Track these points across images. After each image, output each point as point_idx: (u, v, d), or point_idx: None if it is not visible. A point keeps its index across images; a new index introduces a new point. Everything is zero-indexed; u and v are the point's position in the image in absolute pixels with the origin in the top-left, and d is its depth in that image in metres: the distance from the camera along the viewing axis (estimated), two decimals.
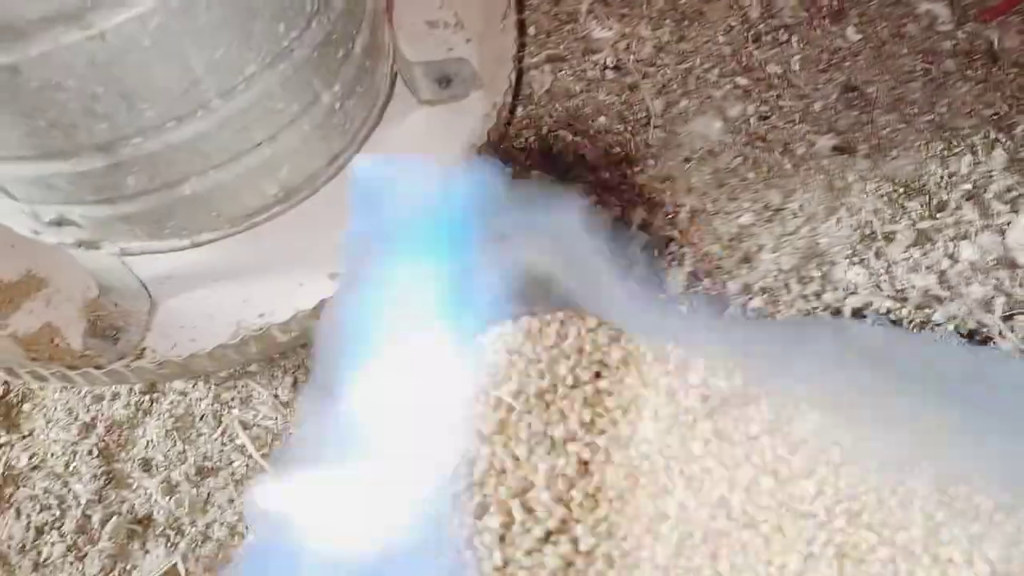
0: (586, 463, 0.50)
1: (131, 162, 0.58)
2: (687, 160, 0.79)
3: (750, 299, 0.72)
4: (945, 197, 0.74)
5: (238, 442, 0.69)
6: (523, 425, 0.51)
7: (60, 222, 0.65)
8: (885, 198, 0.75)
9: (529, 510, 0.48)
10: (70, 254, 0.71)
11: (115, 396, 0.73)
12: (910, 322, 0.69)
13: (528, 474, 0.49)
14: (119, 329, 0.73)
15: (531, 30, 0.87)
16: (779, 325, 0.66)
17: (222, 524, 0.66)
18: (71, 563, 0.66)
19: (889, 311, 0.70)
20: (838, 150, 0.77)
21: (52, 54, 0.49)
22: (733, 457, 0.50)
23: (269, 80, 0.59)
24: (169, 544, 0.66)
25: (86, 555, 0.66)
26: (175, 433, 0.70)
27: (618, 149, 0.80)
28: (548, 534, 0.47)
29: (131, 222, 0.65)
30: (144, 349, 0.72)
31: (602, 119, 0.82)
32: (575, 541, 0.47)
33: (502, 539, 0.47)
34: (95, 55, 0.50)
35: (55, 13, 0.47)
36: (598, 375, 0.54)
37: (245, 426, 0.70)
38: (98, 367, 0.71)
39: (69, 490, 0.69)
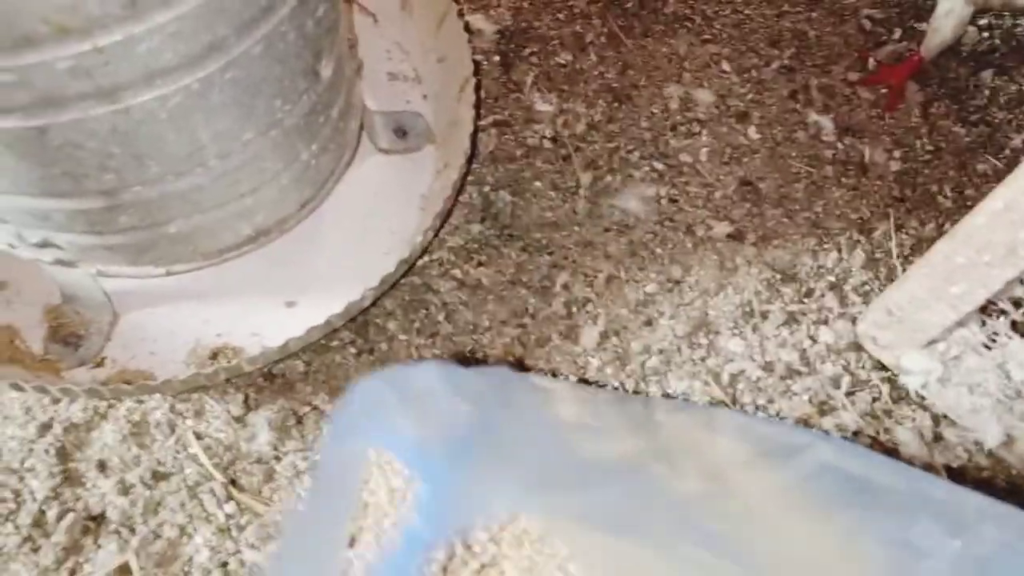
0: None
1: (128, 205, 0.65)
2: (607, 230, 0.91)
3: (648, 358, 0.85)
4: (812, 286, 0.90)
5: (191, 451, 0.77)
6: None
7: (44, 244, 0.70)
8: (765, 282, 0.89)
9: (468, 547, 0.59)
10: (39, 265, 0.76)
11: (73, 399, 0.79)
12: (774, 390, 0.84)
13: None
14: (80, 337, 0.79)
15: (481, 93, 0.97)
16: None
17: (173, 525, 0.73)
18: (25, 554, 0.72)
19: (758, 379, 0.84)
20: (731, 236, 0.91)
21: (80, 121, 0.56)
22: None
23: (262, 144, 0.67)
24: (121, 540, 0.73)
25: (40, 547, 0.72)
26: (131, 438, 0.77)
27: (549, 213, 0.91)
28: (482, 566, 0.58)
29: (113, 251, 0.71)
30: (104, 358, 0.78)
31: (538, 184, 0.93)
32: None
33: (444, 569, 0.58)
34: (117, 124, 0.57)
35: (93, 90, 0.54)
36: None
37: (198, 437, 0.77)
38: (56, 371, 0.77)
39: (25, 485, 0.74)
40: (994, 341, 0.78)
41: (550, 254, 0.89)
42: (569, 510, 0.52)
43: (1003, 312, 0.77)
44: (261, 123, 0.65)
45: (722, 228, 0.92)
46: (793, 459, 0.55)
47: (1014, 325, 0.77)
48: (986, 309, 0.78)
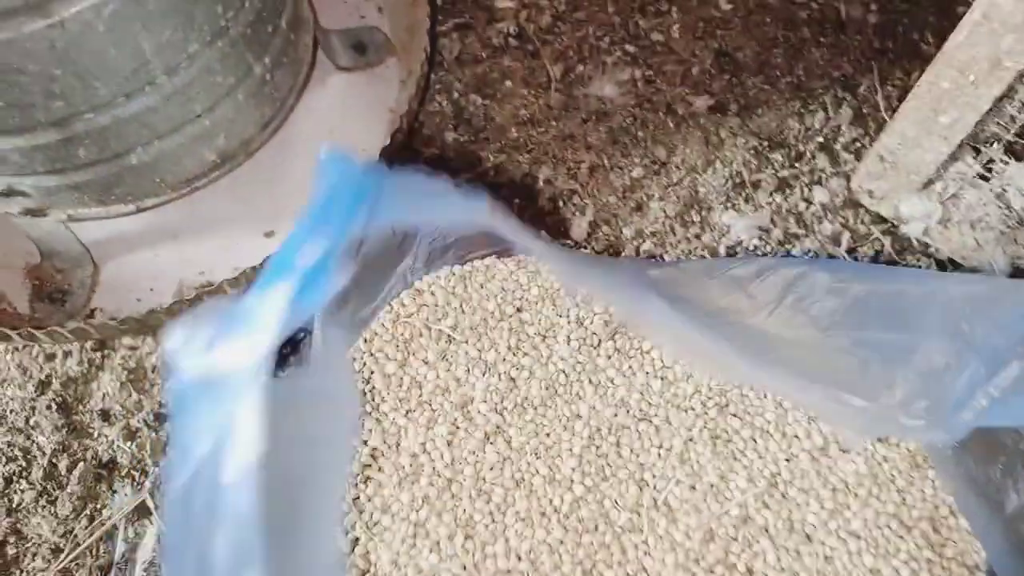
0: (514, 379, 0.60)
1: (83, 135, 0.63)
2: (585, 120, 0.88)
3: (642, 242, 0.83)
4: (802, 149, 0.87)
5: None
6: (461, 352, 0.60)
7: (9, 192, 0.69)
8: (753, 151, 0.87)
9: (470, 419, 0.58)
10: (12, 222, 0.74)
11: (67, 355, 0.78)
12: (773, 255, 0.82)
13: (468, 391, 0.59)
14: (65, 292, 0.77)
15: None
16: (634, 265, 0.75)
17: None
18: (43, 507, 0.71)
19: (756, 248, 0.82)
20: (713, 109, 0.89)
21: (15, 41, 0.54)
22: (630, 367, 0.61)
23: (209, 57, 0.65)
24: (135, 483, 0.72)
25: (56, 499, 0.72)
26: (130, 385, 0.76)
27: (523, 111, 0.89)
28: (486, 436, 0.58)
29: (80, 190, 0.70)
30: (94, 310, 0.77)
31: (508, 83, 0.90)
32: (508, 441, 0.58)
33: (449, 443, 0.57)
34: (55, 41, 0.55)
35: (21, 4, 0.52)
36: (519, 309, 0.64)
37: None
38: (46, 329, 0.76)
39: (33, 442, 0.74)
40: (990, 170, 0.76)
41: (529, 152, 0.87)
42: None
43: (996, 137, 0.74)
44: (205, 32, 0.63)
45: (703, 102, 0.89)
46: (782, 285, 0.54)
47: (1008, 148, 0.74)
48: (978, 137, 0.75)
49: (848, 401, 0.50)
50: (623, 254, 0.82)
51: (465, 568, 0.53)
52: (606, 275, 0.52)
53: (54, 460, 0.73)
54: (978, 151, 0.76)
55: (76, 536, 0.70)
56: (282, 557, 0.39)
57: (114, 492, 0.72)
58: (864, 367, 0.51)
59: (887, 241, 0.82)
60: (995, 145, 0.75)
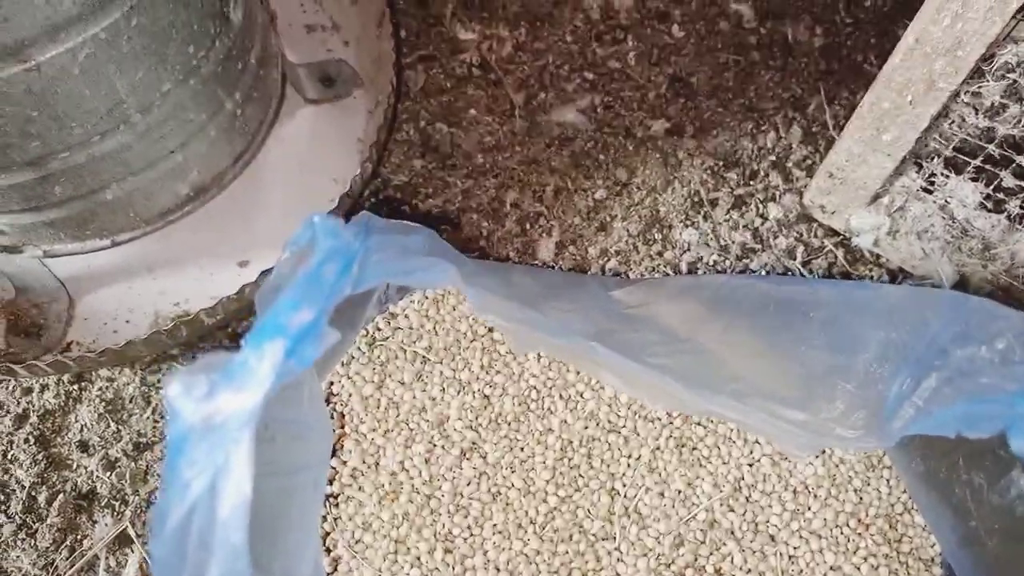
0: (487, 397, 0.63)
1: (58, 174, 0.65)
2: (548, 145, 0.92)
3: (607, 261, 0.86)
4: (756, 167, 0.91)
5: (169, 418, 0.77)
6: (436, 372, 0.63)
7: None
8: (709, 171, 0.91)
9: (446, 436, 0.60)
10: None
11: (44, 388, 0.78)
12: (732, 270, 0.85)
13: (443, 410, 0.61)
14: (41, 326, 0.78)
15: (402, 32, 0.97)
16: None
17: None
18: (23, 539, 0.72)
19: (715, 263, 0.86)
20: (670, 132, 0.92)
21: None
22: (598, 381, 0.64)
23: (181, 94, 0.67)
24: (116, 513, 0.73)
25: (36, 531, 0.72)
26: (108, 416, 0.77)
27: (488, 138, 0.92)
28: (463, 452, 0.60)
29: (55, 227, 0.71)
30: (71, 343, 0.78)
31: (472, 111, 0.93)
32: (484, 456, 0.60)
33: (427, 461, 0.59)
34: (31, 85, 0.57)
35: None
36: (491, 329, 0.67)
37: None
38: (23, 364, 0.77)
39: (11, 476, 0.74)
40: (933, 184, 0.80)
41: (495, 176, 0.90)
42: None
43: (936, 152, 0.78)
44: (177, 71, 0.65)
45: (660, 126, 0.93)
46: (735, 302, 0.57)
47: (948, 163, 0.78)
48: (920, 152, 0.79)
49: (789, 416, 0.53)
50: (589, 272, 0.85)
51: None
52: (561, 326, 0.54)
53: (33, 493, 0.74)
54: (920, 166, 0.80)
55: (57, 568, 0.71)
56: None
57: (94, 522, 0.73)
58: (807, 381, 0.55)
59: (840, 253, 0.86)
60: (936, 160, 0.79)
